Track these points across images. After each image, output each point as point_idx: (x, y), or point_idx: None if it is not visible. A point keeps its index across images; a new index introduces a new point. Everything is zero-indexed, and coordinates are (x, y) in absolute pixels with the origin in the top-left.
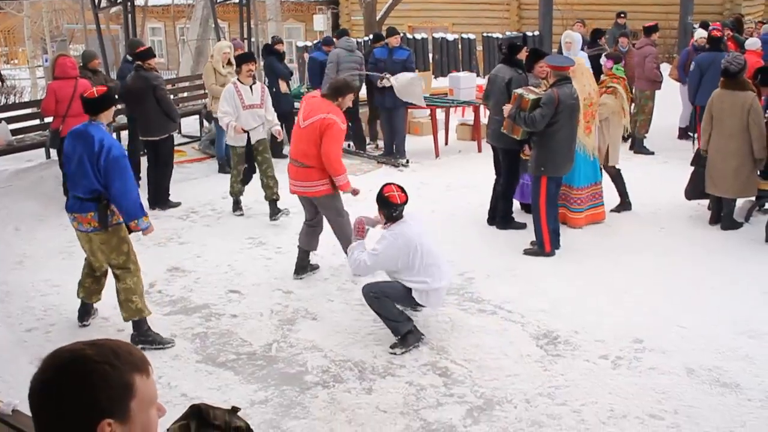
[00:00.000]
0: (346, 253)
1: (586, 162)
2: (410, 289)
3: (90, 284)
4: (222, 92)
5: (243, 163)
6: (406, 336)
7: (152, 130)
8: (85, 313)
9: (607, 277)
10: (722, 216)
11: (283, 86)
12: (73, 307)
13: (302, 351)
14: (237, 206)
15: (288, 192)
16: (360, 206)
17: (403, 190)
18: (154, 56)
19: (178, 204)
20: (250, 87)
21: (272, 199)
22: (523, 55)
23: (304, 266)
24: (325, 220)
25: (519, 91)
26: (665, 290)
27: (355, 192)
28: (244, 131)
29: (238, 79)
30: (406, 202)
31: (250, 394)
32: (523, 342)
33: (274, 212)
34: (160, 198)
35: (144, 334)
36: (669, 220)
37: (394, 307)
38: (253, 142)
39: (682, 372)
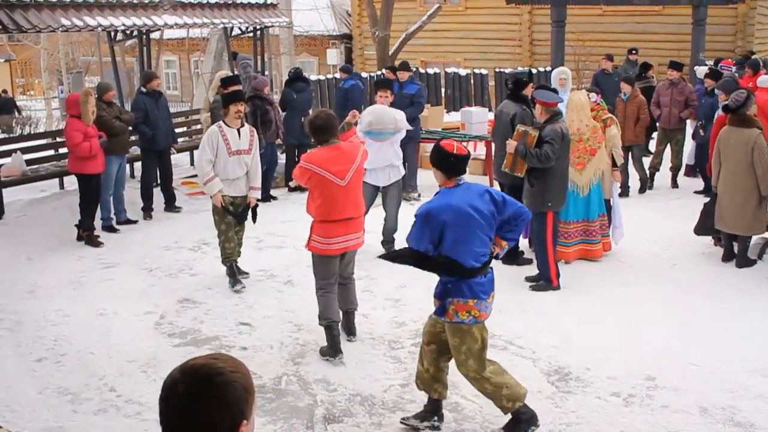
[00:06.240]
0: (352, 309)
1: (573, 198)
2: None
3: None
4: (204, 135)
5: (228, 215)
6: None
7: None
8: None
9: (618, 312)
10: (737, 253)
11: None
12: (82, 336)
13: (312, 384)
14: (234, 276)
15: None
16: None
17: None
18: (234, 84)
19: None
20: (238, 131)
21: (234, 259)
22: (528, 91)
23: (349, 326)
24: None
25: (522, 127)
26: (677, 327)
27: None
28: (224, 199)
29: (224, 121)
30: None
31: (259, 427)
32: (534, 378)
33: (237, 273)
34: None
35: None
36: (681, 256)
37: None
38: (234, 194)
39: (695, 410)
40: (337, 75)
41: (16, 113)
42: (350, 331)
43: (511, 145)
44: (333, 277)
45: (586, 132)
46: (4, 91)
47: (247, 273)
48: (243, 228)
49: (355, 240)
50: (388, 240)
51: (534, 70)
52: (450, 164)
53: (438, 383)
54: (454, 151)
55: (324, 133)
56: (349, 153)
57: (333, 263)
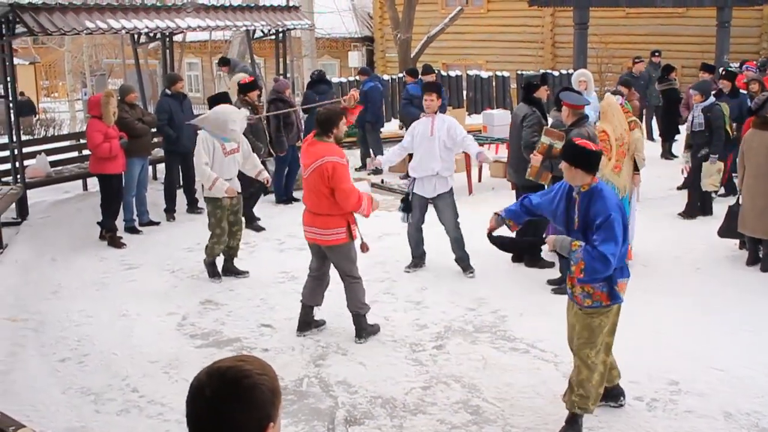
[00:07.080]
0: (352, 311)
1: None
2: None
3: None
4: (198, 139)
5: (227, 219)
6: None
7: None
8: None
9: (641, 316)
10: (762, 257)
11: None
12: (105, 337)
13: (333, 386)
14: (215, 269)
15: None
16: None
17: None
18: (253, 90)
19: (261, 228)
20: None
21: (231, 257)
22: (542, 94)
23: (308, 322)
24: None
25: (546, 141)
26: (701, 331)
27: (364, 247)
28: (238, 192)
29: None
30: None
31: (281, 429)
32: (556, 381)
33: (235, 271)
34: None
35: None
36: (705, 260)
37: None
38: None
39: (719, 416)
40: (358, 78)
41: (34, 115)
42: (356, 333)
43: (537, 158)
44: (310, 263)
45: (626, 136)
46: (22, 93)
47: (246, 272)
48: (241, 228)
49: (317, 234)
50: (461, 257)
51: (555, 73)
52: (592, 161)
53: (613, 369)
54: (593, 148)
55: (319, 126)
56: (316, 153)
57: (312, 251)
